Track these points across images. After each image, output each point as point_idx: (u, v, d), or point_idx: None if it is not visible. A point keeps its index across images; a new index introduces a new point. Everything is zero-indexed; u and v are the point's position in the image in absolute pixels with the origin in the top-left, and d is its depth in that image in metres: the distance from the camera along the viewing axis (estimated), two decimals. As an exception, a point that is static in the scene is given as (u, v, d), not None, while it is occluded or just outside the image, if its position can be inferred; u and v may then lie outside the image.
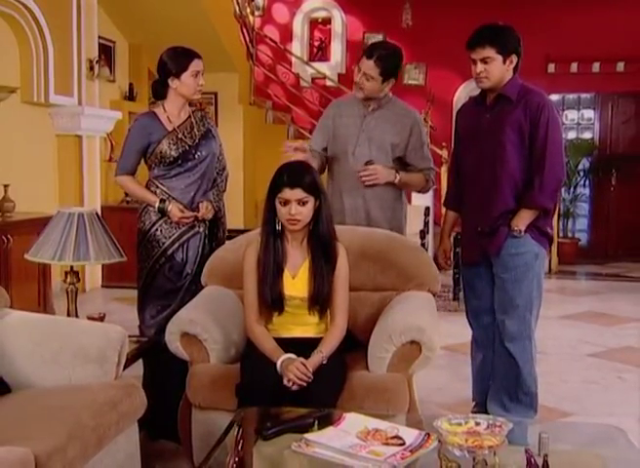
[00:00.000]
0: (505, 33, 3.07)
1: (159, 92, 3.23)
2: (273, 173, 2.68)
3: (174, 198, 3.17)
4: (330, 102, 3.78)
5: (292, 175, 2.62)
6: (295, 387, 2.43)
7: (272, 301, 2.66)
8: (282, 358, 2.50)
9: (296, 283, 2.69)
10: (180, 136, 3.18)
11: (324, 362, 2.53)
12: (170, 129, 3.18)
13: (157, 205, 3.15)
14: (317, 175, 2.72)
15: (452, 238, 3.54)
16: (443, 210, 3.58)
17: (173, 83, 3.16)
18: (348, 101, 3.56)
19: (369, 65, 3.27)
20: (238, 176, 7.92)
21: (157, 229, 3.19)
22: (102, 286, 6.68)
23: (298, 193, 2.58)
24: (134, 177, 3.27)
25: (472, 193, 3.19)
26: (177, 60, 3.13)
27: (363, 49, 3.43)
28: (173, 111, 3.21)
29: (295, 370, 2.43)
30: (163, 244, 3.19)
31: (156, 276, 3.19)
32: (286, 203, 2.59)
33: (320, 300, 2.66)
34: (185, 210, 3.16)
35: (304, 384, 2.43)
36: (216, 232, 3.31)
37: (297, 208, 2.59)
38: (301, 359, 2.49)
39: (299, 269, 2.70)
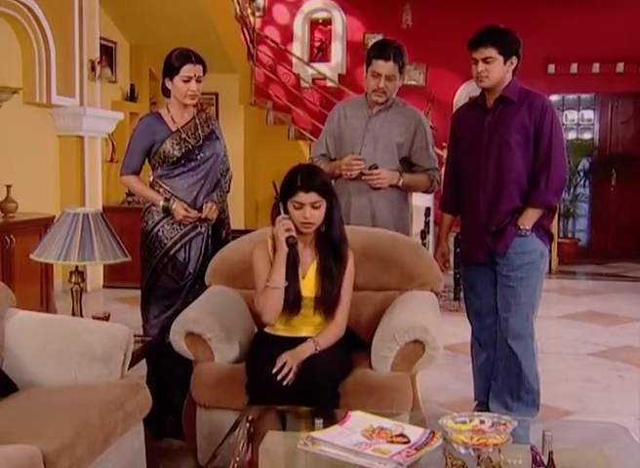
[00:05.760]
0: (507, 35, 3.11)
1: (165, 91, 3.24)
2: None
3: (177, 197, 3.17)
4: (331, 103, 3.78)
5: (305, 178, 2.62)
6: (287, 380, 2.44)
7: (292, 303, 2.65)
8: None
9: (305, 283, 2.70)
10: (183, 136, 3.18)
11: (316, 351, 2.56)
12: (174, 129, 3.18)
13: (162, 203, 3.15)
14: (327, 177, 2.72)
15: (449, 240, 3.55)
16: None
17: (168, 84, 3.17)
18: (353, 103, 3.55)
19: (390, 67, 3.26)
20: (239, 177, 7.85)
21: (159, 230, 3.19)
22: (104, 286, 6.68)
23: (312, 197, 2.59)
24: (138, 177, 3.28)
25: (477, 194, 3.19)
26: (172, 63, 3.12)
27: (368, 53, 3.32)
28: (176, 112, 3.21)
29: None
30: (165, 244, 3.18)
31: (159, 276, 3.20)
32: (300, 206, 2.60)
33: (328, 302, 2.67)
34: (189, 209, 3.16)
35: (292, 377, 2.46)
36: (220, 233, 3.31)
37: (310, 211, 2.60)
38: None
39: (307, 269, 2.71)
